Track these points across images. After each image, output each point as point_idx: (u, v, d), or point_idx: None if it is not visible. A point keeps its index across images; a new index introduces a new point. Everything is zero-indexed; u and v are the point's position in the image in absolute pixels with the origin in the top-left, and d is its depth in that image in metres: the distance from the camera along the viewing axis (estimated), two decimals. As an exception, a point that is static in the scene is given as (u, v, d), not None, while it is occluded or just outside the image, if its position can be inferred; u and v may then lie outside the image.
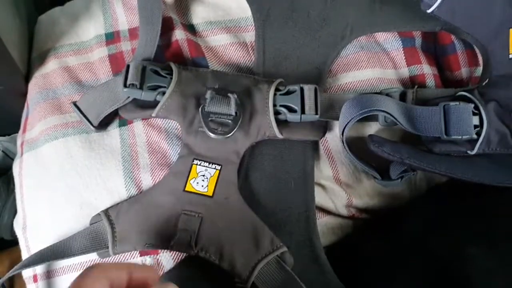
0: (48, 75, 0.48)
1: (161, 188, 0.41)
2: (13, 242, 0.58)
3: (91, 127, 0.43)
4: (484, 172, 0.40)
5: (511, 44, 0.42)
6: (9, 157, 0.61)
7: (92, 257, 0.41)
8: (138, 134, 0.44)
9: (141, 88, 0.40)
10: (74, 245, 0.39)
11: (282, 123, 0.41)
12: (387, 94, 0.43)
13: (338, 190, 0.44)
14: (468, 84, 0.48)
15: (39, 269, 0.42)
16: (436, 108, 0.41)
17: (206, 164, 0.41)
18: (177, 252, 0.40)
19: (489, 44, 0.43)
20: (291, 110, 0.41)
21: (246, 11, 0.48)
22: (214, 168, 0.41)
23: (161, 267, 0.40)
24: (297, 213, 0.41)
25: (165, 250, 0.40)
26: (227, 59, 0.47)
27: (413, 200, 0.44)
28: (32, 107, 0.47)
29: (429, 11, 0.42)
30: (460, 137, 0.40)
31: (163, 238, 0.39)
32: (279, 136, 0.41)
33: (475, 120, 0.40)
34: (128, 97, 0.42)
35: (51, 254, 0.40)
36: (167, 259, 0.40)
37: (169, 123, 0.44)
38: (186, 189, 0.40)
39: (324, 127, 0.43)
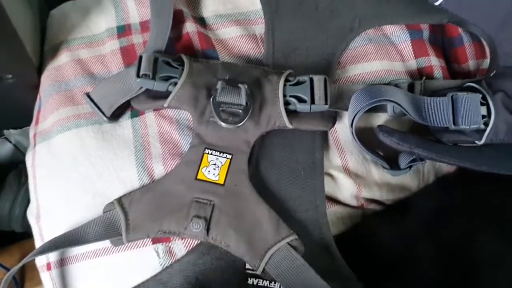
0: (61, 68, 0.48)
1: (173, 176, 0.41)
2: (24, 235, 0.58)
3: (104, 117, 0.44)
4: (492, 161, 0.40)
5: (518, 35, 0.43)
6: (20, 151, 0.61)
7: (105, 245, 0.41)
8: (150, 124, 0.45)
9: (153, 78, 0.41)
10: (88, 232, 0.40)
11: (291, 113, 0.42)
12: (395, 85, 0.43)
13: (347, 180, 0.44)
14: (475, 76, 0.48)
15: (53, 257, 0.43)
16: (444, 99, 0.41)
17: (217, 153, 0.42)
18: (189, 240, 0.41)
19: (496, 36, 0.43)
20: (300, 100, 0.42)
21: (255, 4, 0.49)
22: (225, 157, 0.41)
23: (173, 254, 0.41)
24: (307, 202, 0.42)
25: (177, 238, 0.41)
26: (237, 51, 0.47)
27: (422, 189, 0.45)
28: (45, 99, 0.48)
29: (436, 3, 0.43)
30: (468, 127, 0.40)
31: (176, 226, 0.39)
32: (289, 126, 0.42)
33: (483, 110, 0.41)
34: (141, 87, 0.42)
35: (65, 241, 0.40)
36: (179, 247, 0.41)
37: (180, 114, 0.45)
38: (198, 177, 0.41)
39: (333, 118, 0.44)
